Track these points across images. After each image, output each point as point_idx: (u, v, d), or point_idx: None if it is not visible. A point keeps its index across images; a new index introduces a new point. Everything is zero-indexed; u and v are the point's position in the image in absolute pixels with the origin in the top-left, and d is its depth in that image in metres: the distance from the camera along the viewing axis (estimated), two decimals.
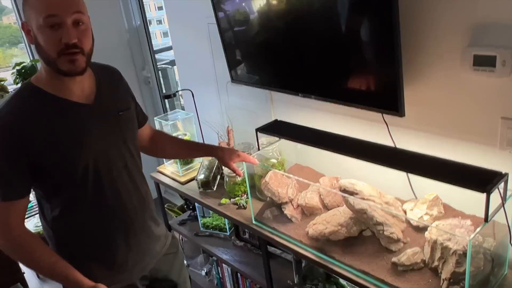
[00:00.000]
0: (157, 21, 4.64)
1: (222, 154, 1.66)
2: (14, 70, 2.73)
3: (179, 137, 2.29)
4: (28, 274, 2.94)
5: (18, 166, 1.18)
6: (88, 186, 1.28)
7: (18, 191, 1.21)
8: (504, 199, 1.20)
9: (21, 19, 3.08)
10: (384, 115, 1.54)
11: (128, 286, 1.42)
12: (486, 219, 1.16)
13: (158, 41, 4.31)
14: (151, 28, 3.38)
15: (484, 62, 1.24)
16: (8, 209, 1.20)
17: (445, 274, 1.24)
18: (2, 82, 2.66)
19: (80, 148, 1.25)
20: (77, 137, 1.24)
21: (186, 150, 1.76)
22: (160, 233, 1.54)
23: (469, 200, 1.30)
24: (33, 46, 3.15)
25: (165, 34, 4.12)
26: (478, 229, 1.16)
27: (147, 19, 3.28)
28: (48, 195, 1.29)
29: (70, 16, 1.13)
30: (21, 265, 2.85)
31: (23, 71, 2.70)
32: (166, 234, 1.59)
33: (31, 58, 3.18)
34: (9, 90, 2.70)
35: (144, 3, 3.20)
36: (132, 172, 1.40)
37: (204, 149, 1.75)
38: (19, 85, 2.75)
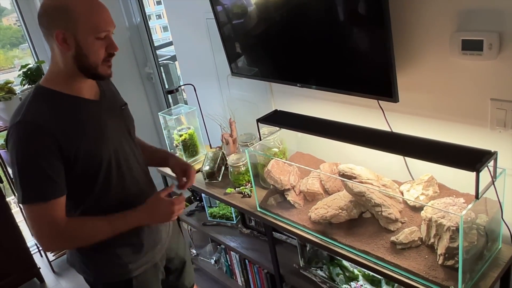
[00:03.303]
0: (156, 15, 4.63)
1: (172, 166, 1.63)
2: (21, 72, 2.79)
3: (183, 131, 2.36)
4: (44, 269, 3.03)
5: (55, 164, 1.22)
6: (112, 177, 1.35)
7: (61, 189, 1.25)
8: (494, 176, 1.26)
9: (23, 20, 3.13)
10: (379, 101, 1.60)
11: (153, 266, 1.51)
12: (476, 196, 1.22)
13: (158, 36, 4.33)
14: (151, 23, 3.41)
15: (471, 46, 1.30)
16: (52, 208, 1.23)
17: (440, 249, 1.31)
18: (10, 85, 2.73)
19: (102, 141, 1.32)
20: (98, 132, 1.32)
21: (148, 154, 1.66)
22: None
23: (463, 179, 1.34)
24: (38, 48, 3.17)
25: (165, 29, 4.14)
26: (469, 206, 1.22)
27: (147, 14, 3.32)
28: (77, 189, 1.32)
29: (112, 29, 1.27)
30: (36, 261, 2.95)
31: (29, 72, 2.76)
32: None
33: (36, 60, 3.25)
34: (16, 92, 2.76)
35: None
36: (140, 160, 1.49)
37: (162, 155, 1.69)
38: (25, 86, 2.82)
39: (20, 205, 1.23)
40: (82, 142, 1.26)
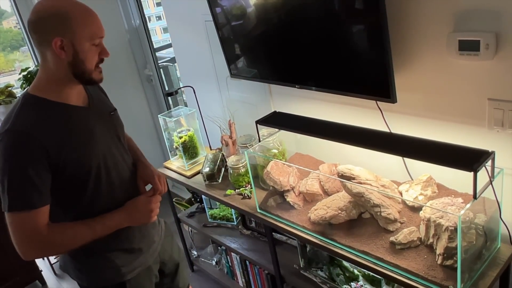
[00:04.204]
0: (156, 17, 4.64)
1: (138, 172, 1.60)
2: (21, 76, 2.80)
3: (183, 133, 2.37)
4: (46, 272, 3.04)
5: (43, 174, 1.22)
6: (102, 182, 1.35)
7: (46, 198, 1.24)
8: (491, 176, 1.26)
9: (22, 22, 3.14)
10: (378, 102, 1.60)
11: (146, 269, 1.51)
12: (474, 196, 1.22)
13: (158, 38, 4.33)
14: (150, 25, 3.41)
15: (468, 46, 1.30)
16: (36, 217, 1.23)
17: (439, 249, 1.31)
18: (10, 88, 2.74)
19: (91, 148, 1.32)
20: (86, 138, 1.32)
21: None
22: (157, 218, 1.63)
23: (462, 179, 1.35)
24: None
25: (165, 30, 4.14)
26: (467, 206, 1.22)
27: (147, 15, 3.31)
28: (67, 196, 1.33)
29: (104, 36, 1.30)
30: (38, 263, 2.96)
31: (29, 76, 2.77)
32: (159, 219, 1.67)
33: (36, 63, 3.26)
34: (17, 96, 2.77)
35: (142, 1, 3.25)
36: (129, 165, 1.49)
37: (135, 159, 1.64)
38: (26, 90, 2.83)
39: (4, 212, 1.23)
40: (70, 149, 1.26)
